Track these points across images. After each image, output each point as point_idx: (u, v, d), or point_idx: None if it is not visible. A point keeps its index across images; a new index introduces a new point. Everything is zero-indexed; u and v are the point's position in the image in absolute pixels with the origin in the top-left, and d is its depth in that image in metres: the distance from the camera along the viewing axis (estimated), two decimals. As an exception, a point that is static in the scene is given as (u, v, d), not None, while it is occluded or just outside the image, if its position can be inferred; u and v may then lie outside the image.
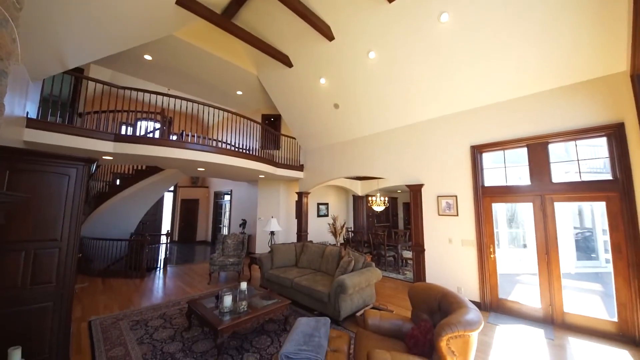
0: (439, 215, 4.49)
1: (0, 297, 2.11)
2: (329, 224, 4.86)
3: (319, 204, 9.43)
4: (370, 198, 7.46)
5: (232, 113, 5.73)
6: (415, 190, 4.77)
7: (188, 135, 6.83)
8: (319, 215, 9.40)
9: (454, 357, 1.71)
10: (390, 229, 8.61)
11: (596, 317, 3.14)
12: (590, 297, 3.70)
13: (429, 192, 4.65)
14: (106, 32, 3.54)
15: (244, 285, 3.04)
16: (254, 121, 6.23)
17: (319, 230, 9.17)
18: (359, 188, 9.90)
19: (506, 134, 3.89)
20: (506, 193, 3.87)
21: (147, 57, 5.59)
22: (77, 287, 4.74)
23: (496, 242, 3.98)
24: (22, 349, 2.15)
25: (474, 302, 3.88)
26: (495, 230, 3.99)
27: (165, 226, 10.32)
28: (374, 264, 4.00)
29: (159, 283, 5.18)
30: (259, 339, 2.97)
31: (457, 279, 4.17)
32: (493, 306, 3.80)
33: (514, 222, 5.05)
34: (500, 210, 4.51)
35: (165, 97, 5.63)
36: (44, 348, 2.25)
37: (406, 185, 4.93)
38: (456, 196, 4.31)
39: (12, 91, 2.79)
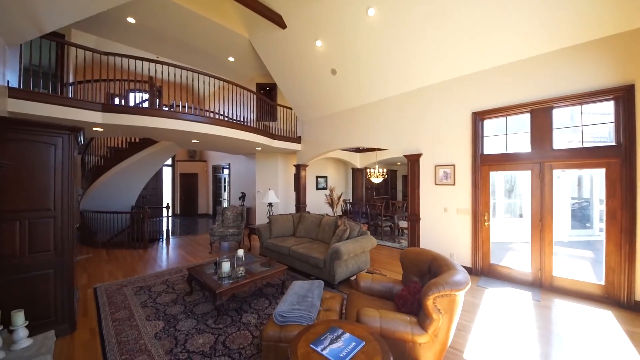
0: (436, 184, 4.47)
1: (2, 265, 2.17)
2: (325, 195, 4.88)
3: (317, 177, 9.43)
4: (368, 170, 7.41)
5: (225, 81, 5.49)
6: (413, 160, 4.70)
7: (179, 106, 6.63)
8: (317, 188, 9.45)
9: (440, 315, 1.78)
10: (388, 200, 8.69)
11: (584, 281, 3.24)
12: (581, 263, 3.80)
13: (427, 161, 4.59)
14: (80, -12, 3.24)
15: (240, 252, 3.12)
16: (248, 90, 5.98)
17: (317, 203, 9.27)
18: (358, 160, 9.82)
19: (509, 99, 3.72)
20: (505, 161, 3.80)
21: (130, 19, 5.21)
22: (82, 258, 4.92)
23: (491, 211, 4.00)
24: (29, 313, 2.26)
25: (466, 267, 4.04)
26: (491, 200, 3.99)
27: (166, 200, 10.45)
28: (369, 233, 4.07)
29: (162, 253, 5.35)
30: (257, 301, 3.11)
31: (450, 245, 4.27)
32: (484, 271, 3.92)
33: (513, 193, 5.05)
34: (498, 179, 4.48)
35: (154, 66, 5.38)
36: (49, 312, 2.37)
37: (404, 156, 4.86)
38: (454, 165, 4.25)
39: (-16, 56, 2.63)
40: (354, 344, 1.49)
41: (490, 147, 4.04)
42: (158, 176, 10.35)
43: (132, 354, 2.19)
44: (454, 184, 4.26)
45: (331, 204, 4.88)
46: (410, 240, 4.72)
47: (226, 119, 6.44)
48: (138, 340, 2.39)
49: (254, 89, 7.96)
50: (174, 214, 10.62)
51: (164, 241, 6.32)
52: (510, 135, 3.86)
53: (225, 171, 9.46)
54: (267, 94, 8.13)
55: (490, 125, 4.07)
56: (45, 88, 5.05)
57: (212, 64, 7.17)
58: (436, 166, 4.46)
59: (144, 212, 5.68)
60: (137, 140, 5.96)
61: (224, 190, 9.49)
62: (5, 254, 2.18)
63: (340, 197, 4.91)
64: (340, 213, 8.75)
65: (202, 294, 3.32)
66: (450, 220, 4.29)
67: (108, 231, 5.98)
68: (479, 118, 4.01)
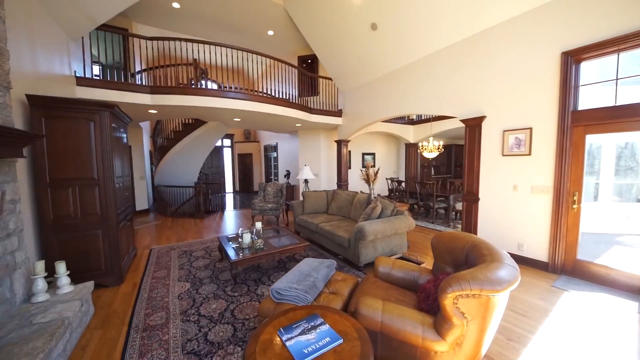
0: (503, 155, 3.50)
1: (62, 224, 2.59)
2: (361, 171, 4.42)
3: (364, 154, 8.85)
4: (421, 144, 6.47)
5: (265, 56, 5.31)
6: (473, 126, 3.78)
7: (226, 87, 6.91)
8: (364, 166, 8.89)
9: (464, 320, 1.30)
10: (445, 179, 7.52)
11: None
12: None
13: (491, 126, 3.62)
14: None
15: (258, 225, 3.07)
16: (287, 63, 5.75)
17: (361, 181, 8.75)
18: (411, 134, 8.74)
19: (624, 26, 2.48)
20: (615, 118, 2.64)
21: (175, 4, 5.50)
22: (150, 224, 5.80)
23: (593, 191, 2.92)
24: (84, 266, 2.69)
25: (540, 262, 3.14)
26: (586, 176, 2.89)
27: (228, 178, 11.56)
28: (406, 213, 3.52)
29: (213, 223, 5.89)
30: (277, 274, 3.05)
31: (519, 233, 3.36)
32: (566, 268, 2.96)
33: (627, 165, 3.62)
34: (601, 145, 3.23)
35: (203, 50, 5.62)
36: (100, 265, 2.77)
37: (461, 121, 3.95)
38: (530, 129, 3.22)
39: (49, 50, 3.06)
40: (328, 339, 1.18)
41: (588, 100, 2.87)
42: (220, 156, 11.46)
43: (154, 310, 2.38)
44: (529, 154, 3.26)
45: (367, 181, 4.41)
46: (464, 225, 3.93)
47: (266, 95, 6.42)
48: (164, 297, 2.60)
49: (296, 63, 7.72)
50: (234, 191, 11.71)
51: (218, 213, 6.97)
52: (624, 80, 2.63)
53: (275, 150, 9.76)
54: (309, 66, 7.79)
55: (589, 69, 2.87)
56: (112, 76, 5.88)
57: (254, 41, 7.15)
58: (504, 131, 3.48)
59: (199, 187, 6.31)
60: (191, 121, 6.53)
61: (274, 169, 9.86)
62: (63, 215, 2.59)
63: (377, 172, 4.38)
64: (387, 192, 8.07)
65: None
66: (521, 201, 3.35)
67: (176, 202, 6.92)
68: (571, 60, 2.85)
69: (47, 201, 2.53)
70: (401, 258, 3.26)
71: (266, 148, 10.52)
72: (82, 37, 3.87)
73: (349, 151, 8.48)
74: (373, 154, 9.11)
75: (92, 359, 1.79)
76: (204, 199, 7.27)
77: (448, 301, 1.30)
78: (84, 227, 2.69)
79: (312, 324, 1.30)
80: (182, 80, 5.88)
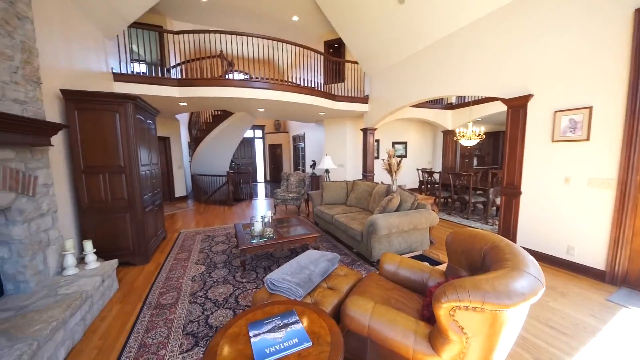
0: (554, 141, 2.95)
1: (95, 207, 2.88)
2: (383, 160, 4.12)
3: (394, 143, 8.35)
4: (458, 131, 5.83)
5: (290, 43, 5.19)
6: (517, 107, 3.25)
7: (252, 78, 7.01)
8: (394, 156, 8.40)
9: (462, 337, 1.09)
10: (487, 171, 6.69)
11: None
12: None
13: (539, 106, 3.06)
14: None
15: (268, 214, 3.07)
16: (312, 49, 5.56)
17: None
18: (449, 120, 7.95)
19: None
20: None
21: (203, -3, 5.65)
22: (188, 209, 6.25)
23: None
24: (114, 245, 2.96)
25: (594, 270, 2.62)
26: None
27: (259, 168, 11.97)
28: (428, 206, 3.19)
29: (239, 211, 6.14)
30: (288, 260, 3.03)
31: (570, 235, 2.84)
32: (629, 280, 2.41)
33: None
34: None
35: (231, 41, 5.72)
36: (128, 245, 3.04)
37: (503, 102, 3.42)
38: (590, 108, 2.64)
39: (86, 48, 3.36)
40: (295, 340, 1.08)
41: (679, 66, 2.21)
42: (252, 147, 11.88)
43: (168, 289, 2.53)
44: (586, 139, 2.69)
45: (389, 171, 4.10)
46: (502, 222, 3.46)
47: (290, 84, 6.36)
48: (179, 279, 2.76)
49: (322, 48, 7.49)
50: (265, 180, 12.10)
51: (247, 201, 7.25)
52: None
53: (302, 140, 9.76)
54: (335, 51, 7.49)
55: (684, 25, 2.19)
56: (152, 72, 6.32)
57: (280, 29, 7.08)
58: (556, 112, 2.91)
59: (229, 176, 6.61)
60: (219, 112, 6.79)
61: (302, 159, 9.89)
62: (96, 199, 2.87)
63: (400, 162, 4.03)
64: (417, 184, 7.52)
65: (246, 249, 3.54)
66: (574, 196, 2.81)
67: (209, 190, 7.37)
68: (654, 14, 2.21)
69: (82, 186, 2.82)
70: (420, 256, 2.99)
71: (295, 138, 10.58)
72: (118, 36, 4.18)
73: (377, 140, 8.09)
74: (404, 143, 8.56)
75: (107, 330, 1.96)
76: (236, 188, 7.63)
77: (443, 312, 1.10)
78: (113, 211, 2.96)
79: (286, 321, 1.21)
80: (211, 72, 6.11)
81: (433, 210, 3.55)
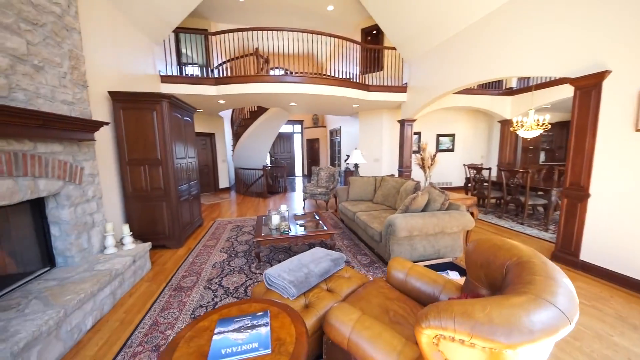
0: (637, 130, 2.28)
1: (138, 195, 3.25)
2: (415, 155, 3.75)
3: (439, 135, 7.61)
4: (515, 120, 4.95)
5: (326, 35, 5.06)
6: (587, 88, 2.60)
7: (289, 73, 7.09)
8: (439, 150, 7.67)
9: (450, 371, 0.88)
10: (552, 167, 5.53)
11: None
12: None
13: (619, 85, 2.39)
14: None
15: (283, 207, 3.07)
16: (346, 39, 5.34)
17: (436, 169, 7.58)
18: (508, 108, 6.86)
19: None
20: None
21: (241, -2, 5.87)
22: (228, 200, 6.72)
23: None
24: (152, 229, 3.31)
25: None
26: None
27: (297, 162, 12.23)
28: (463, 208, 2.79)
29: (272, 203, 6.35)
30: (303, 260, 3.00)
31: (658, 252, 2.17)
32: None
33: None
34: None
35: (271, 37, 5.88)
36: (164, 230, 3.37)
37: (569, 82, 2.77)
38: (700, 84, 1.94)
39: (134, 53, 3.78)
40: (255, 345, 1.02)
41: None
42: (291, 142, 12.18)
43: (190, 273, 2.73)
44: (692, 127, 2.00)
45: (422, 166, 3.72)
46: (561, 231, 2.85)
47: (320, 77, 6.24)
48: (202, 264, 2.95)
49: (359, 37, 7.16)
50: (302, 174, 12.32)
51: (281, 194, 7.47)
52: None
53: (339, 134, 9.59)
54: (374, 38, 7.07)
55: None
56: (201, 74, 6.85)
57: (317, 22, 6.98)
58: (645, 92, 2.23)
59: (263, 170, 6.88)
60: (255, 109, 7.06)
61: (338, 153, 9.75)
62: (138, 188, 3.24)
63: (434, 156, 3.61)
64: (463, 181, 6.68)
65: (267, 241, 3.62)
66: (665, 201, 2.13)
67: (247, 183, 7.81)
68: None
69: (127, 177, 3.20)
70: (449, 264, 2.64)
71: (332, 132, 10.46)
72: (164, 41, 4.62)
73: (418, 133, 7.47)
74: (452, 136, 7.73)
75: (132, 305, 2.19)
76: (274, 181, 7.92)
77: (425, 339, 0.91)
78: (152, 199, 3.30)
79: (255, 322, 1.15)
80: (249, 70, 6.36)
81: (472, 212, 3.11)
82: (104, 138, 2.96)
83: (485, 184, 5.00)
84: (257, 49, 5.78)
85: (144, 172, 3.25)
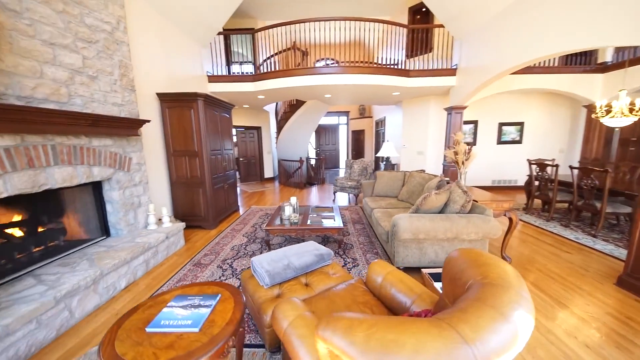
0: None
1: (180, 182, 3.80)
2: (447, 149, 3.29)
3: (502, 125, 6.51)
4: (599, 104, 3.84)
5: (368, 20, 4.85)
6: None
7: (336, 64, 7.02)
8: (501, 142, 6.58)
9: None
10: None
11: None
12: None
13: None
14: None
15: (293, 199, 3.13)
16: (388, 22, 5.00)
17: (496, 164, 6.56)
18: (598, 89, 5.38)
19: None
20: None
21: (280, -7, 6.02)
22: (268, 189, 7.21)
23: None
24: (191, 211, 3.83)
25: None
26: None
27: (342, 154, 12.16)
28: (490, 212, 2.38)
29: (307, 194, 6.53)
30: (313, 252, 3.06)
31: None
32: None
33: None
34: None
35: (317, 28, 5.96)
36: (200, 213, 3.86)
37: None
38: None
39: (183, 57, 4.32)
40: (189, 322, 1.13)
41: None
42: (336, 134, 12.15)
43: (211, 252, 3.09)
44: None
45: (456, 162, 3.26)
46: (634, 248, 2.18)
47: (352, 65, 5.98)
48: (224, 246, 3.30)
49: (407, 17, 6.56)
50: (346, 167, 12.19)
51: (317, 186, 7.61)
52: None
53: (383, 125, 9.11)
54: (423, 17, 6.38)
55: None
56: (255, 71, 7.36)
57: (361, 6, 6.69)
58: None
59: (300, 162, 7.11)
60: (294, 102, 7.26)
61: (382, 145, 9.28)
62: (181, 175, 3.78)
63: (469, 151, 3.10)
64: (527, 180, 5.53)
65: (287, 230, 3.79)
66: None
67: (288, 173, 8.20)
68: None
69: (172, 166, 3.76)
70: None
71: (377, 123, 10.00)
72: (210, 44, 5.13)
73: (474, 122, 6.53)
74: (519, 125, 6.51)
75: (159, 274, 2.62)
76: (316, 173, 8.13)
77: (320, 346, 0.86)
78: (191, 185, 3.81)
79: (202, 302, 1.26)
80: (290, 64, 6.54)
81: (510, 218, 2.63)
82: (154, 133, 3.53)
83: (552, 184, 4.07)
84: (294, 42, 5.90)
85: (184, 162, 3.76)
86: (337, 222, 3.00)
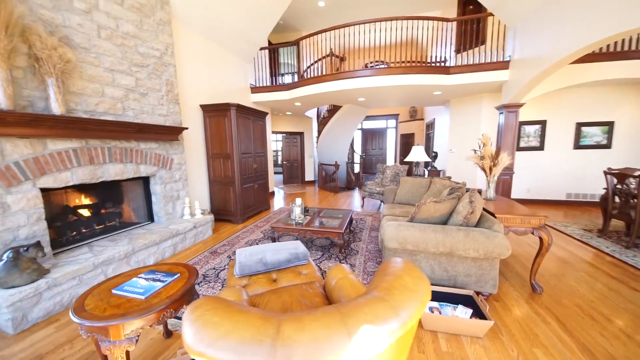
0: None
1: (216, 180, 4.37)
2: (474, 151, 2.83)
3: (580, 125, 5.27)
4: None
5: (404, 19, 4.70)
6: None
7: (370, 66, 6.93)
8: (579, 146, 5.31)
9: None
10: None
11: None
12: None
13: None
14: None
15: (298, 201, 3.23)
16: (430, 18, 4.71)
17: (572, 174, 5.33)
18: None
19: None
20: None
21: (321, 3, 6.28)
22: (305, 191, 7.50)
23: None
24: (223, 206, 4.35)
25: None
26: None
27: (389, 159, 11.65)
28: (499, 227, 2.02)
29: (337, 198, 6.54)
30: (316, 252, 3.11)
31: None
32: None
33: None
34: None
35: (363, 31, 6.12)
36: (230, 208, 4.35)
37: None
38: None
39: (227, 72, 4.98)
40: (141, 290, 1.36)
41: None
42: (383, 138, 11.74)
43: (228, 244, 3.45)
44: None
45: (483, 167, 2.82)
46: None
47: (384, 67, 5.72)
48: (240, 239, 3.63)
49: (456, 8, 5.99)
50: (378, 172, 11.60)
51: (353, 191, 7.51)
52: None
53: (433, 128, 8.39)
54: (476, 7, 5.71)
55: None
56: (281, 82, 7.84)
57: (408, 4, 6.43)
58: None
59: (335, 166, 7.17)
60: (331, 107, 7.38)
61: (432, 149, 8.54)
62: (217, 174, 4.35)
63: (496, 155, 2.62)
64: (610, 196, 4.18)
65: (302, 231, 3.92)
66: None
67: (326, 177, 8.35)
68: None
69: (211, 166, 4.36)
70: (466, 298, 2.02)
71: (427, 126, 9.25)
72: (254, 58, 5.73)
73: (542, 122, 5.47)
74: (607, 125, 5.15)
75: (182, 256, 3.09)
76: (357, 178, 8.09)
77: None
78: (224, 184, 4.34)
79: (162, 278, 1.50)
80: (328, 70, 6.73)
81: (541, 238, 2.19)
82: (198, 138, 4.18)
83: (634, 200, 3.06)
84: (331, 50, 6.06)
85: (220, 163, 4.31)
86: (338, 226, 2.98)
